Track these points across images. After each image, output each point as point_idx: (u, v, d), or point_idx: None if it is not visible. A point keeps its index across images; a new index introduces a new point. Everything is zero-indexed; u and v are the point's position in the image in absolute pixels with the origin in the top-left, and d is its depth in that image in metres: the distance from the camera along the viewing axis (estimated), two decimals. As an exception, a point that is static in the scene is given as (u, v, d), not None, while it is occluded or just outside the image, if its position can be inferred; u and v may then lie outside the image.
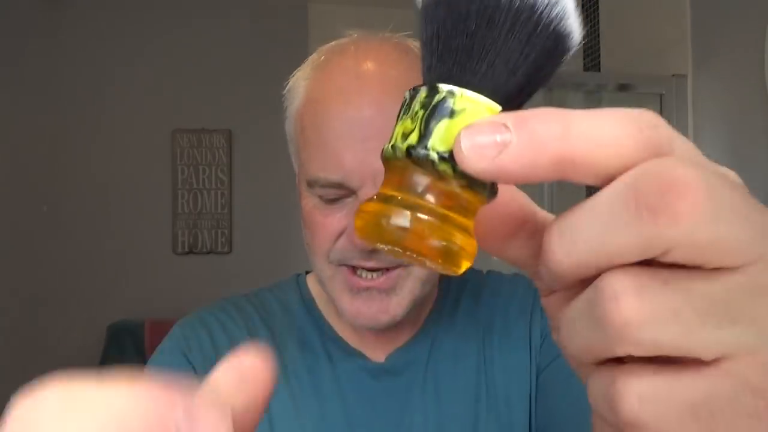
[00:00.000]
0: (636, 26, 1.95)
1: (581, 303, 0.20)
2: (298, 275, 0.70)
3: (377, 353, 0.64)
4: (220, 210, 2.76)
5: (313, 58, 0.59)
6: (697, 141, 1.69)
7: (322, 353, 0.63)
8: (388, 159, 0.22)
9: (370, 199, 0.23)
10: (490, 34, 0.21)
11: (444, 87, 0.21)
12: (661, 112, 1.73)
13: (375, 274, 0.55)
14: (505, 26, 0.21)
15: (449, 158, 0.21)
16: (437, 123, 0.21)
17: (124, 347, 2.51)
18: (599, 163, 0.18)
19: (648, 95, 1.78)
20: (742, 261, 0.17)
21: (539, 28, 0.21)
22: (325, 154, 0.53)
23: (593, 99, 2.01)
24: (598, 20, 2.18)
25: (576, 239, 0.19)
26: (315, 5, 2.71)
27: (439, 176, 0.21)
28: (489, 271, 0.74)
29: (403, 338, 0.64)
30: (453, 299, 0.68)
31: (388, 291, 0.55)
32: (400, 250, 0.22)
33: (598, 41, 2.17)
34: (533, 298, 0.67)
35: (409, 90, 0.23)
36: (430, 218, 0.21)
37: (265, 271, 1.82)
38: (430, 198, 0.22)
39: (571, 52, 0.23)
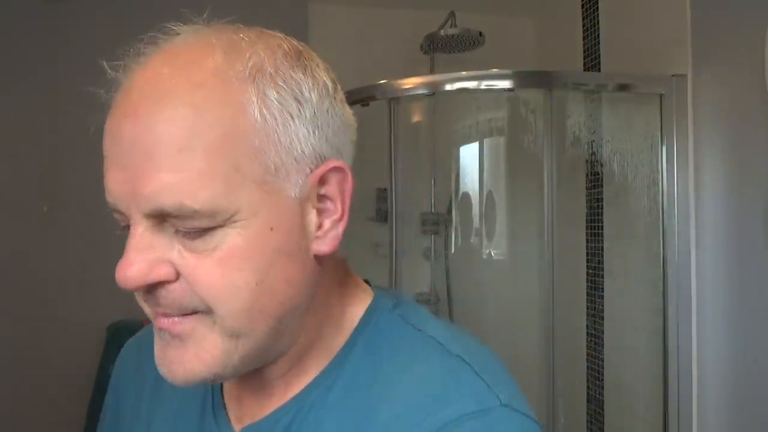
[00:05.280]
0: (636, 26, 1.95)
1: None
2: None
3: (249, 414, 0.52)
4: (220, 210, 2.75)
5: None
6: (697, 141, 1.69)
7: (195, 402, 0.55)
8: None
9: None
10: None
11: None
12: (661, 112, 1.73)
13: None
14: None
15: None
16: None
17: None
18: None
19: (648, 95, 1.78)
20: None
21: None
22: (105, 173, 0.46)
23: (593, 99, 2.01)
24: (598, 20, 2.18)
25: None
26: (315, 5, 2.70)
27: None
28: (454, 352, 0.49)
29: (276, 403, 0.51)
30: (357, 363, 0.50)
31: (183, 338, 0.44)
32: None
33: (598, 41, 2.17)
34: None
35: None
36: None
37: (265, 271, 1.81)
38: None
39: None
